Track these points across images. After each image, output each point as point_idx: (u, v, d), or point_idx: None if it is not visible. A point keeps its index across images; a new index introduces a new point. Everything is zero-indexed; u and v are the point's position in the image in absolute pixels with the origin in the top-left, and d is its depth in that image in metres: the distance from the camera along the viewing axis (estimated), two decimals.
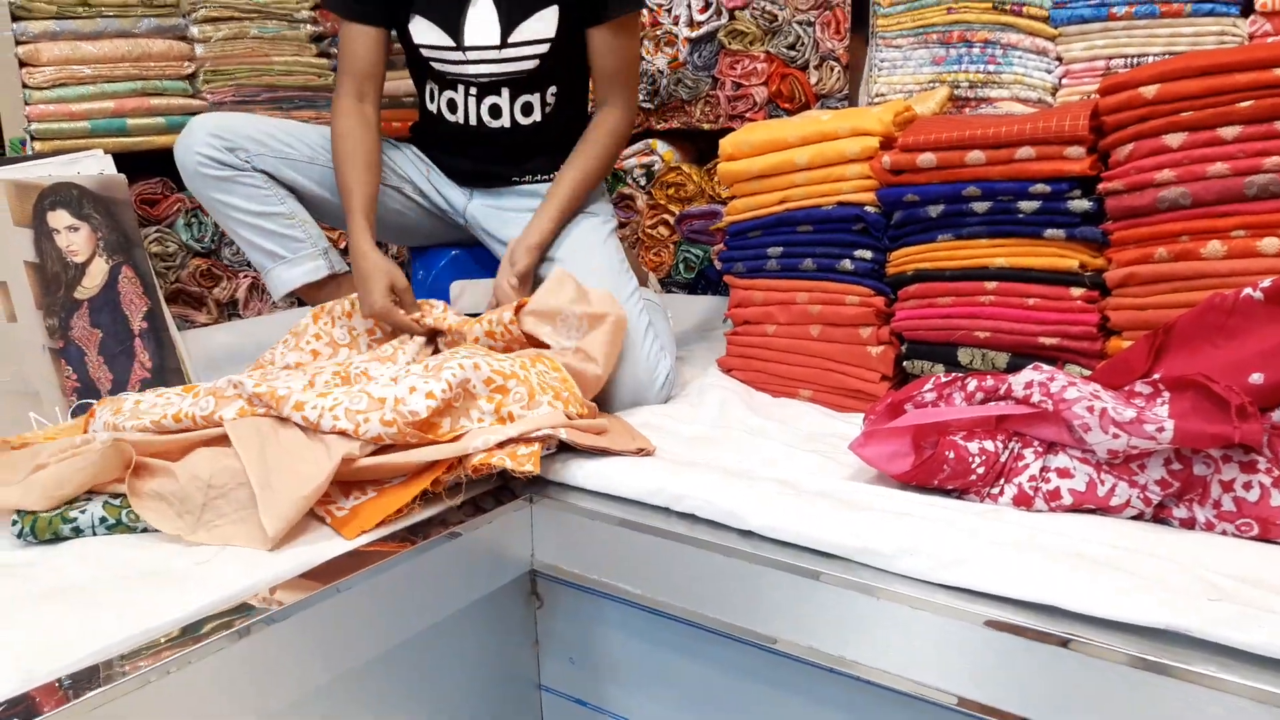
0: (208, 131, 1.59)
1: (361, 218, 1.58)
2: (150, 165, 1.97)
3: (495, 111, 1.68)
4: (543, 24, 1.61)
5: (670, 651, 1.26)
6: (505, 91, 1.67)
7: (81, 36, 1.88)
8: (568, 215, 1.66)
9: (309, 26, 2.23)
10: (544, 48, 1.63)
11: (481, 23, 1.60)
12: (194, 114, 2.02)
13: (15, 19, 1.81)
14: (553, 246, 1.66)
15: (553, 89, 1.70)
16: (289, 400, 1.20)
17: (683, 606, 1.18)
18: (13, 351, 1.55)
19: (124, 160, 1.85)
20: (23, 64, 1.83)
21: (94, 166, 1.79)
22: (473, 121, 1.70)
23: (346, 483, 1.20)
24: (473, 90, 1.67)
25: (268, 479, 1.13)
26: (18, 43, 1.81)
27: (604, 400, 1.54)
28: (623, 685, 1.33)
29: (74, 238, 1.67)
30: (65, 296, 1.63)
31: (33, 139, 1.83)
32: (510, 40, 1.61)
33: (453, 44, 1.62)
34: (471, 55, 1.63)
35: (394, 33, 1.69)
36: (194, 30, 2.03)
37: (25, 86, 1.83)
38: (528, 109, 1.69)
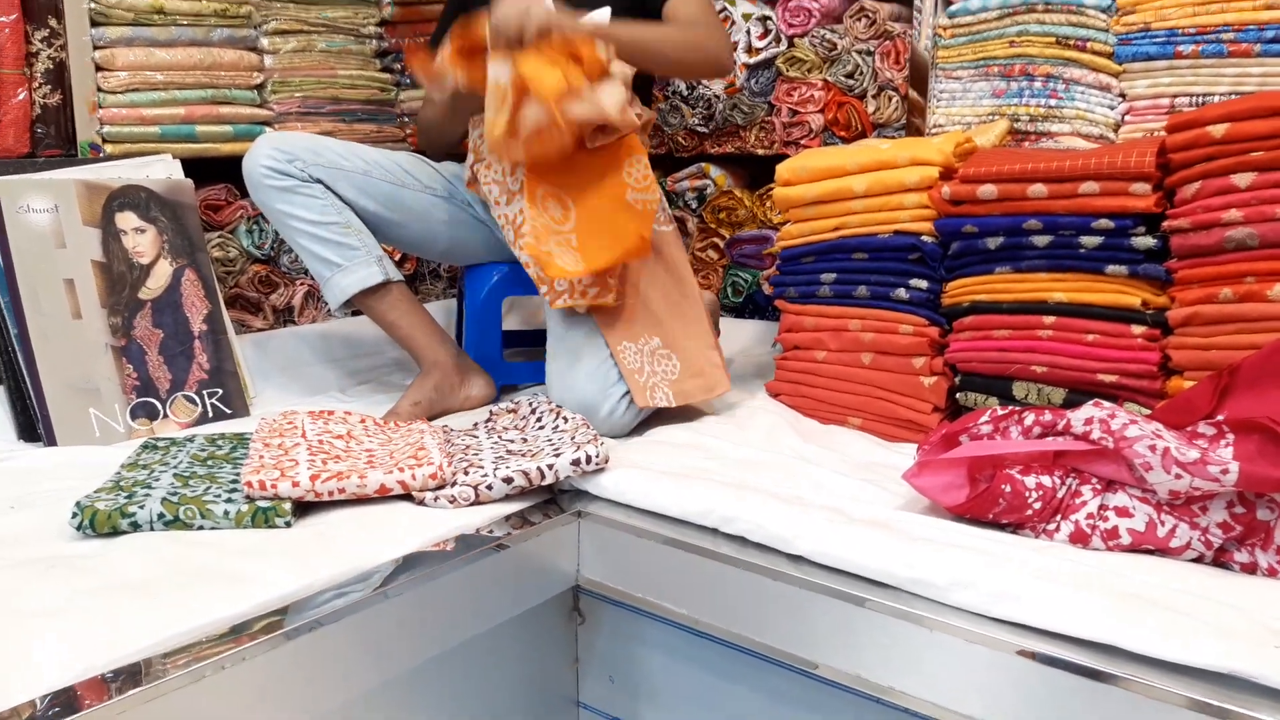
0: (271, 145, 1.67)
1: None
2: (216, 172, 2.01)
3: None
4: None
5: (712, 674, 1.25)
6: None
7: (156, 44, 1.93)
8: (637, 44, 1.65)
9: (375, 42, 2.27)
10: None
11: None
12: (261, 123, 2.08)
13: (94, 24, 1.86)
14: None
15: None
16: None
17: (727, 628, 1.17)
18: (76, 348, 1.58)
19: (191, 166, 1.89)
20: (99, 68, 1.88)
21: (163, 171, 1.83)
22: None
23: None
24: None
25: None
26: (95, 47, 1.86)
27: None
28: (662, 706, 1.32)
29: (140, 239, 1.71)
30: (129, 296, 1.67)
31: (104, 141, 1.88)
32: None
33: None
34: None
35: None
36: (264, 42, 2.07)
37: (100, 90, 1.88)
38: None
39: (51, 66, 1.80)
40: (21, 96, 1.76)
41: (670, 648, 1.29)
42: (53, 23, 1.80)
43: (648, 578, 1.23)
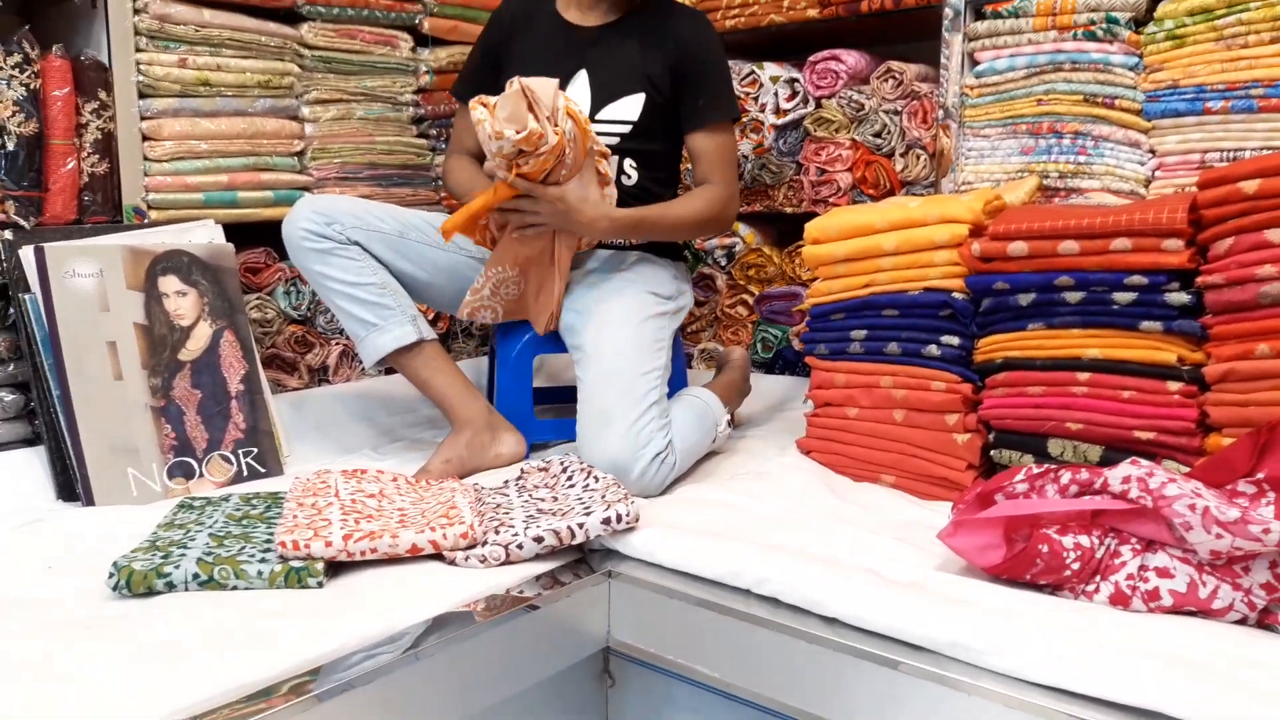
0: (311, 209, 1.71)
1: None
2: (256, 235, 2.06)
3: None
4: (629, 108, 1.81)
5: None
6: None
7: (201, 114, 1.99)
8: (642, 228, 1.75)
9: (411, 109, 2.33)
10: (627, 128, 1.81)
11: (577, 98, 1.79)
12: (300, 189, 2.13)
13: (142, 96, 1.92)
14: (584, 305, 1.74)
15: (630, 161, 1.83)
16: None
17: (759, 691, 1.15)
18: (117, 408, 1.61)
19: (232, 230, 1.94)
20: (145, 138, 1.94)
21: (205, 235, 1.88)
22: None
23: None
24: None
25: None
26: (143, 118, 1.93)
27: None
28: None
29: (182, 302, 1.75)
30: (170, 358, 1.70)
31: (150, 208, 1.93)
32: (598, 117, 1.80)
33: None
34: None
35: None
36: (305, 111, 2.14)
37: (146, 159, 1.94)
38: None
39: (100, 137, 1.86)
40: (70, 166, 1.82)
41: (701, 710, 1.27)
42: (102, 95, 1.86)
43: (679, 639, 1.22)
